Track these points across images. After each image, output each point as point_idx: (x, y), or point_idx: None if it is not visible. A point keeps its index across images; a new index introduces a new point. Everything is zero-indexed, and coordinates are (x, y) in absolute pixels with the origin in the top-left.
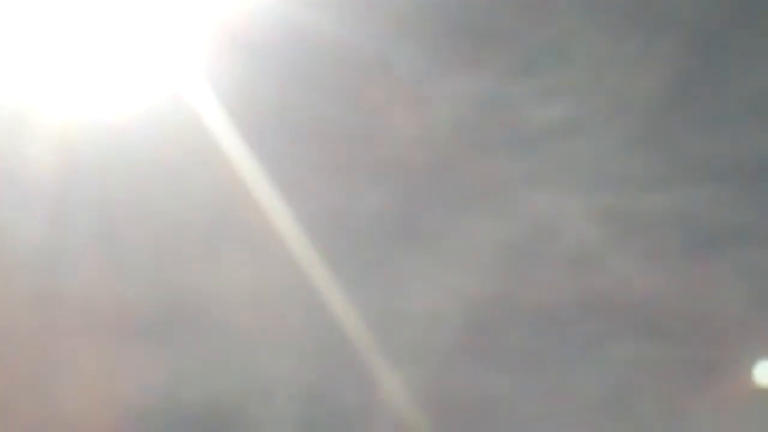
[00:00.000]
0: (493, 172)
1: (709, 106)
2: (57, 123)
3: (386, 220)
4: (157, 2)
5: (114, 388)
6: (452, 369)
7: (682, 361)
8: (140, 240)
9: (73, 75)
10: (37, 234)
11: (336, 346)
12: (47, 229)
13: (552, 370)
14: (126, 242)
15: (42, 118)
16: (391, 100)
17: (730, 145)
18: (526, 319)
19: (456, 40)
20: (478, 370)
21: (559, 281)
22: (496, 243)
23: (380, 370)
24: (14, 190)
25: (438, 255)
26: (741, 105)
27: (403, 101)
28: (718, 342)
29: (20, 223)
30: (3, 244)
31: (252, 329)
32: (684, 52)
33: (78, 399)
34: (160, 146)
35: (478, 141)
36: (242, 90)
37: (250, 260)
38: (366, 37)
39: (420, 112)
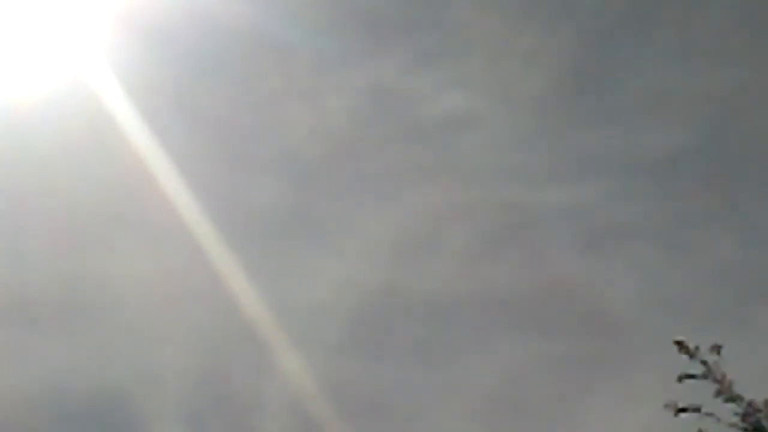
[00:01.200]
0: (388, 164)
1: (603, 101)
2: None
3: (282, 210)
4: None
5: (4, 375)
6: (345, 358)
7: (574, 356)
8: (39, 227)
9: None
10: None
11: (231, 335)
12: None
13: (442, 362)
14: (24, 229)
15: None
16: (289, 90)
17: (623, 141)
18: (418, 310)
19: (355, 31)
20: (370, 360)
21: (452, 274)
22: (389, 235)
23: (274, 359)
24: None
25: (332, 246)
26: (633, 101)
27: (301, 91)
28: (609, 337)
29: None
30: None
31: (149, 317)
32: (577, 46)
33: None
34: (61, 132)
35: (373, 133)
36: (143, 77)
37: (149, 247)
38: (267, 27)
39: (317, 102)
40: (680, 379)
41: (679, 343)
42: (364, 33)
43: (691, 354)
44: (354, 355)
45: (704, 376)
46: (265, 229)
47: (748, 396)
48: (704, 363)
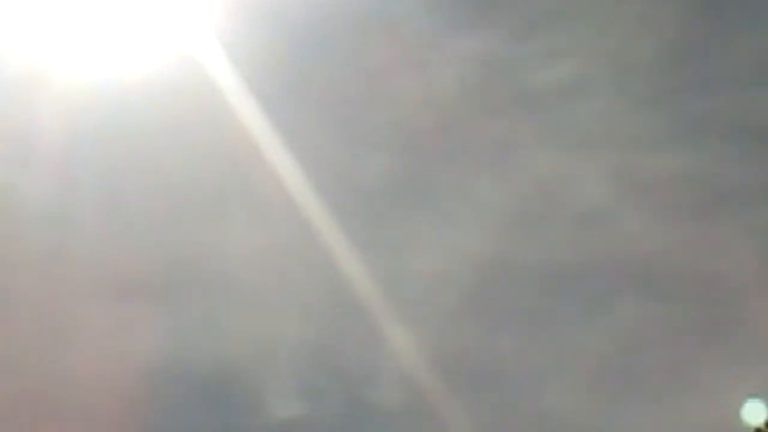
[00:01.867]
0: (499, 132)
1: (715, 65)
2: (66, 84)
3: (393, 181)
4: None
5: (121, 348)
6: (458, 329)
7: (690, 322)
8: (149, 200)
9: (83, 36)
10: (46, 195)
11: (343, 306)
12: (56, 190)
13: (558, 330)
14: (135, 202)
15: (51, 79)
16: (398, 61)
17: (736, 105)
18: (532, 279)
19: (463, 1)
20: (484, 330)
21: (566, 241)
22: (502, 203)
23: (387, 330)
24: (23, 151)
25: (445, 216)
26: (745, 64)
27: (410, 63)
28: (725, 301)
29: (29, 184)
30: (11, 205)
31: (259, 289)
32: (689, 11)
33: (85, 359)
34: (169, 106)
35: (484, 102)
36: (252, 52)
37: (259, 221)
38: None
39: (426, 73)
40: None
41: None
42: (473, 2)
43: None
44: (468, 326)
45: None
46: (375, 200)
47: None
48: None
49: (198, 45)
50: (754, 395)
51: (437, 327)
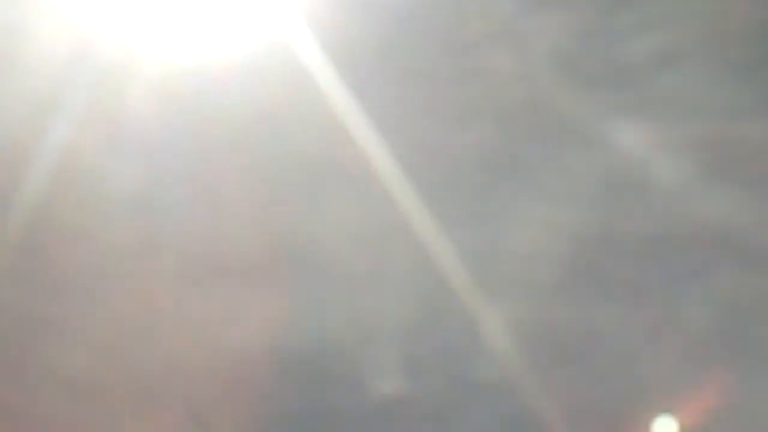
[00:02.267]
0: (592, 104)
1: None
2: (157, 71)
3: (486, 156)
4: None
5: (221, 332)
6: (554, 305)
7: None
8: (241, 184)
9: (174, 22)
10: (140, 181)
11: (439, 283)
12: (150, 176)
13: (655, 303)
14: (227, 187)
15: (142, 66)
16: (489, 34)
17: None
18: (630, 250)
19: None
20: (580, 306)
21: (661, 212)
22: (594, 176)
23: (482, 309)
24: (114, 137)
25: (536, 190)
26: None
27: (501, 35)
28: None
29: (121, 170)
30: (102, 192)
31: (352, 270)
32: None
33: (185, 344)
34: (258, 88)
35: (576, 73)
36: (339, 29)
37: (352, 201)
38: None
39: (518, 45)
40: None
41: None
42: None
43: None
44: (563, 300)
45: None
46: (469, 176)
47: None
48: None
49: (286, 27)
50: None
51: (534, 302)
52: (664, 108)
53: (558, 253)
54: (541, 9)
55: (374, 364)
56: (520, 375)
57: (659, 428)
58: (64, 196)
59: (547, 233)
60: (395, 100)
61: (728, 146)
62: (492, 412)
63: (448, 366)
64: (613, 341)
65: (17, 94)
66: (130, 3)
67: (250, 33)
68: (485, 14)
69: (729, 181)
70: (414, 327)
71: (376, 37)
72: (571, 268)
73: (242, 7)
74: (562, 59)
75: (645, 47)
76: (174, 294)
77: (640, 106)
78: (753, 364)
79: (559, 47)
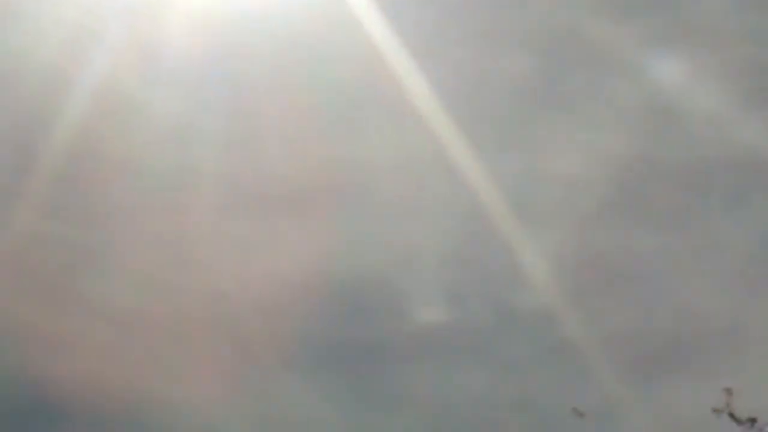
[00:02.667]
0: (633, 32)
1: None
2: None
3: (529, 84)
4: None
5: (260, 262)
6: (598, 230)
7: None
8: (281, 117)
9: None
10: (178, 111)
11: (481, 213)
12: (189, 106)
13: (699, 228)
14: (267, 120)
15: None
16: None
17: None
18: (671, 177)
19: None
20: (624, 231)
21: (705, 138)
22: (639, 103)
23: (523, 236)
24: (153, 67)
25: (581, 117)
26: None
27: None
28: None
29: (161, 100)
30: (143, 122)
31: (396, 199)
32: None
33: (224, 274)
34: (296, 18)
35: (613, 2)
36: None
37: (393, 130)
38: None
39: None
40: None
41: None
42: None
43: None
44: (608, 227)
45: None
46: (511, 104)
47: None
48: None
49: None
50: None
51: (577, 229)
52: (703, 35)
53: (599, 180)
54: None
55: (416, 292)
56: (561, 302)
57: None
58: (105, 125)
59: (588, 161)
60: (435, 30)
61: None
62: (533, 339)
63: (489, 294)
64: (655, 267)
65: (58, 25)
66: None
67: None
68: None
69: None
70: (455, 255)
71: None
72: (612, 195)
73: None
74: None
75: None
76: (214, 223)
77: (680, 33)
78: None
79: None
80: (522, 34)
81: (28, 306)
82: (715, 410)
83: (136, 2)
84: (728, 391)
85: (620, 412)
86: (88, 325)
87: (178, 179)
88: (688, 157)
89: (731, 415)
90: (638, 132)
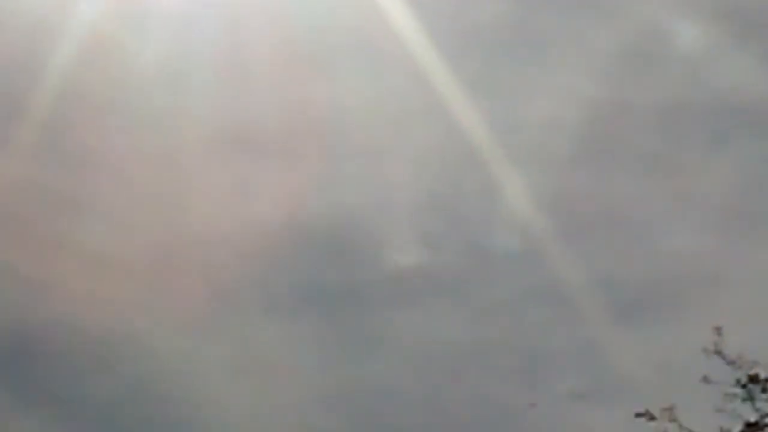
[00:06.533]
0: None
1: None
2: None
3: (504, 28)
4: None
5: (240, 202)
6: (574, 173)
7: None
8: (263, 59)
9: None
10: (164, 55)
11: (457, 154)
12: (174, 49)
13: (673, 170)
14: (250, 62)
15: None
16: None
17: None
18: (646, 121)
19: None
20: (604, 174)
21: (677, 83)
22: (614, 47)
23: (502, 176)
24: (140, 12)
25: (557, 61)
26: None
27: None
28: None
29: (147, 44)
30: (128, 66)
31: (376, 141)
32: None
33: (205, 214)
34: None
35: None
36: None
37: (373, 71)
38: None
39: None
40: None
41: None
42: None
43: None
44: (583, 170)
45: None
46: (487, 47)
47: None
48: None
49: None
50: None
51: (553, 172)
52: None
53: (578, 123)
54: None
55: (395, 234)
56: (540, 245)
57: None
58: (91, 70)
59: (567, 103)
60: None
61: (749, 14)
62: (512, 282)
63: (467, 237)
64: (634, 210)
65: None
66: None
67: None
68: None
69: (749, 51)
70: (433, 198)
71: None
72: (591, 138)
73: None
74: None
75: None
76: (199, 166)
77: None
78: None
79: None
80: None
81: (9, 249)
82: (705, 350)
83: None
84: (717, 330)
85: (603, 354)
86: (69, 267)
87: (162, 124)
88: (661, 101)
89: (719, 353)
90: (613, 76)
